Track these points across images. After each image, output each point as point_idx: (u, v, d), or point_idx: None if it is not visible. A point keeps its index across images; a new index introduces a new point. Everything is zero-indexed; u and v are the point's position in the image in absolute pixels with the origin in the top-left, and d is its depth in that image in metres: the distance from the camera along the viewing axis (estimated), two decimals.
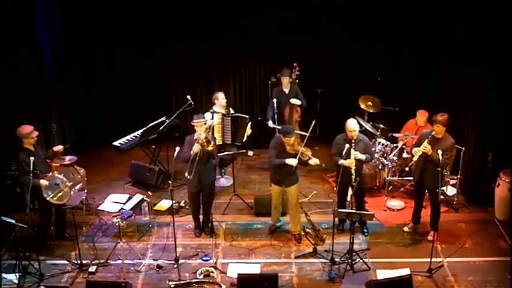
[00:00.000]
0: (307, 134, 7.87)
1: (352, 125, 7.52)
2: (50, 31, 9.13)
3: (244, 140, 9.00)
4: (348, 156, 7.49)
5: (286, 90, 9.51)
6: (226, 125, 8.93)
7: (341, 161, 7.52)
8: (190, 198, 8.00)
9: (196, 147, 7.46)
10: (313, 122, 7.87)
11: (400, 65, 10.18)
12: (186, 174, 7.64)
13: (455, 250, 7.57)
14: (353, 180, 7.47)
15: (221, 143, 8.96)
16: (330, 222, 7.71)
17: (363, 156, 7.57)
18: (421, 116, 8.85)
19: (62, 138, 9.28)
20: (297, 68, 9.47)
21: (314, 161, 7.53)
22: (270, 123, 9.42)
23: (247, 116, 9.02)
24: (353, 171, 7.48)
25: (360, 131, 7.73)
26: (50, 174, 7.48)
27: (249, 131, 8.99)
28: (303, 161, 7.54)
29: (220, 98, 8.97)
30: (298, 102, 9.40)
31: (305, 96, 9.59)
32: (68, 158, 8.06)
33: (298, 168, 7.70)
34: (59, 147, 7.79)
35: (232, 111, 9.14)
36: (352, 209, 7.69)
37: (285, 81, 9.48)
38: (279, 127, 9.09)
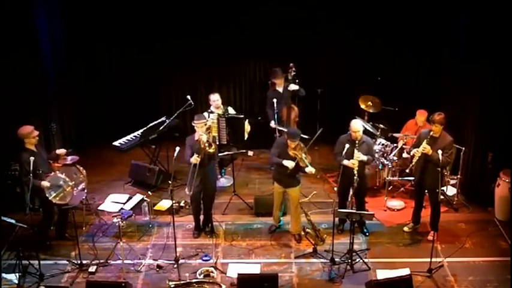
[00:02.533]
0: (311, 139, 7.80)
1: (357, 125, 7.53)
2: (50, 31, 9.12)
3: (245, 139, 8.96)
4: (348, 156, 7.49)
5: (280, 90, 9.50)
6: (221, 125, 8.90)
7: (345, 162, 7.53)
8: (191, 198, 7.97)
9: (194, 159, 7.45)
10: (320, 131, 7.83)
11: (400, 65, 10.17)
12: (186, 190, 7.68)
13: (455, 250, 7.57)
14: (354, 181, 7.47)
15: (218, 143, 8.95)
16: (330, 222, 7.71)
17: (365, 158, 7.57)
18: (421, 116, 8.85)
19: (62, 138, 9.27)
20: (293, 69, 9.32)
21: (309, 170, 7.47)
22: (272, 124, 9.39)
23: (241, 116, 8.98)
24: (355, 172, 7.48)
25: None
26: (52, 174, 7.49)
27: (248, 127, 8.96)
28: (300, 166, 7.53)
29: (212, 100, 8.97)
30: (296, 87, 9.33)
31: (305, 96, 9.58)
32: (70, 157, 8.08)
33: (299, 171, 7.70)
34: (61, 151, 7.80)
35: (231, 110, 9.12)
36: (352, 209, 7.69)
37: (278, 82, 9.47)
38: (280, 128, 9.10)
